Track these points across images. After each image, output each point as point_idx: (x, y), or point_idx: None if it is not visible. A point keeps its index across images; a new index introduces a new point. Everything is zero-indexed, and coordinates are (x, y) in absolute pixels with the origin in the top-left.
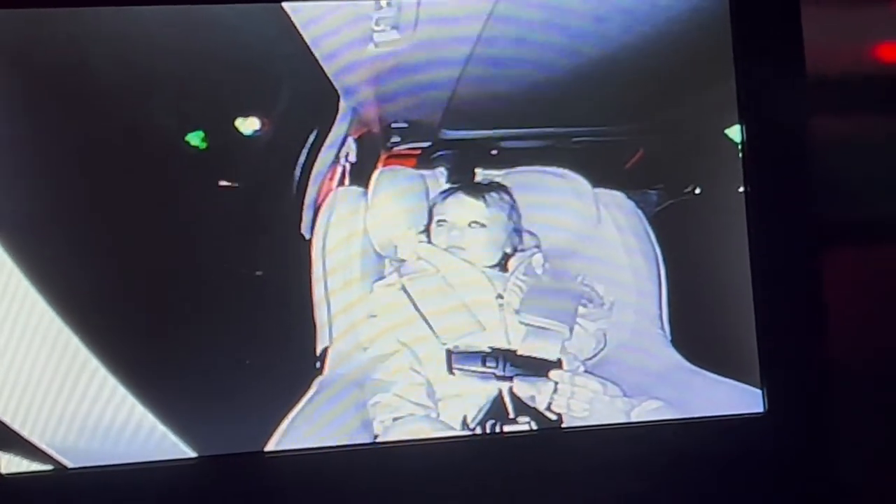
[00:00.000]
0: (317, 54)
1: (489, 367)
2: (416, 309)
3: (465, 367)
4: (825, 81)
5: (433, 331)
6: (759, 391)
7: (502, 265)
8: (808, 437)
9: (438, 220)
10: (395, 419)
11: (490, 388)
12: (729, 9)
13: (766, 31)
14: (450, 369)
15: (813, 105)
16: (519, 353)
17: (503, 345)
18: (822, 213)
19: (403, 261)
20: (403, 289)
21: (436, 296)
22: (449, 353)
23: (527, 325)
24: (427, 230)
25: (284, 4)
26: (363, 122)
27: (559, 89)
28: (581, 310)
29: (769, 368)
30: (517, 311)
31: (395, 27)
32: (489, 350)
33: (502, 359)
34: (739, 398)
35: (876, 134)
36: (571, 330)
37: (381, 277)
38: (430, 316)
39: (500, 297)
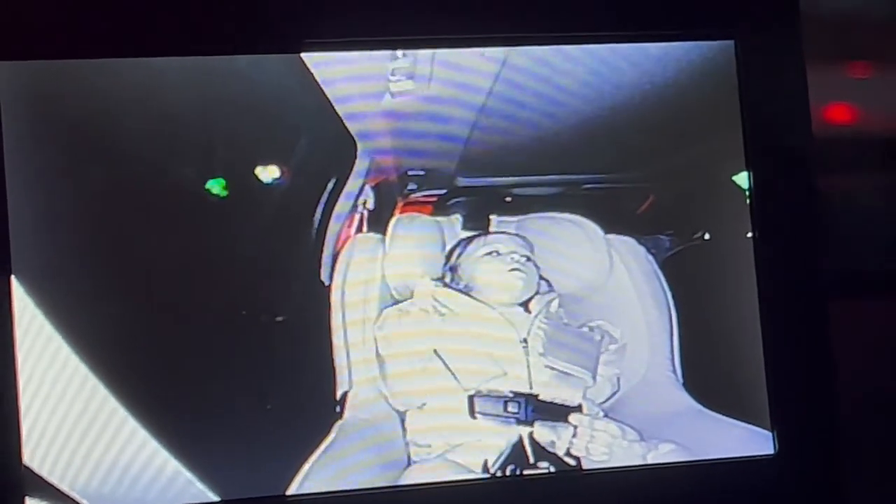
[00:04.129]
0: (334, 104)
1: (511, 412)
2: (437, 354)
3: (488, 412)
4: (830, 134)
5: (455, 376)
6: (769, 433)
7: (525, 306)
8: (819, 479)
9: (488, 252)
10: (415, 462)
11: (511, 433)
12: (735, 58)
13: (771, 80)
14: (472, 414)
15: (818, 155)
16: (541, 397)
17: (525, 389)
18: (828, 260)
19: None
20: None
21: (456, 340)
22: (471, 397)
23: (552, 368)
24: (442, 277)
25: (303, 55)
26: (380, 170)
27: (571, 137)
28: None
29: (779, 411)
30: (542, 355)
31: (410, 77)
32: (511, 394)
33: (524, 403)
34: (750, 440)
35: (881, 186)
36: (594, 377)
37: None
38: (452, 361)
39: (524, 341)
